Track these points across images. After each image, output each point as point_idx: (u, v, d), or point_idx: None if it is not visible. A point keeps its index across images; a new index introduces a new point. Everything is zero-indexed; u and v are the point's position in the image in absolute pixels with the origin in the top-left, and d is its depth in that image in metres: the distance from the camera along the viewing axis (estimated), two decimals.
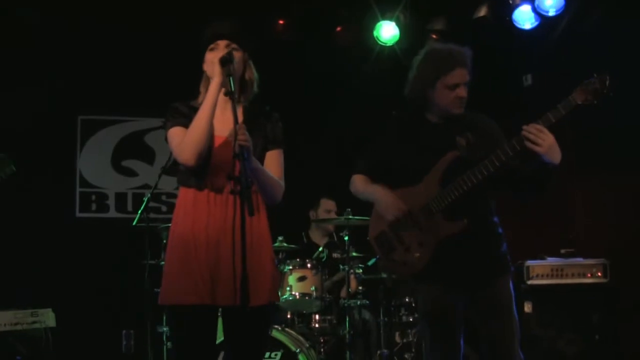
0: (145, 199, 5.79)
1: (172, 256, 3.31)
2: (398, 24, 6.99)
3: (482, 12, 6.81)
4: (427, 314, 3.87)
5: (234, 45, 3.36)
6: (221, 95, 3.30)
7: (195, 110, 3.30)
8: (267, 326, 3.57)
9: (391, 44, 7.07)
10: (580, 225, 6.59)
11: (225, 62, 3.26)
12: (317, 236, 6.73)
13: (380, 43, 7.07)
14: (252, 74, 3.49)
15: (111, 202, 7.26)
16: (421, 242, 3.72)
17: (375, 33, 7.05)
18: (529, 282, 5.85)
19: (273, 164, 3.43)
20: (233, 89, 3.20)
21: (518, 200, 4.47)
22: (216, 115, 3.33)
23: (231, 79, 3.22)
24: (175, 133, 3.31)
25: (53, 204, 6.95)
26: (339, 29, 7.13)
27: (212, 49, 3.37)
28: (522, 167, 3.63)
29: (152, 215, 5.86)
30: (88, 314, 6.60)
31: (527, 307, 5.87)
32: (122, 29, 6.88)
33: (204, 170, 3.26)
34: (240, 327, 3.26)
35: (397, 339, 6.09)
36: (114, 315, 6.72)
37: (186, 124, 3.28)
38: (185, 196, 3.33)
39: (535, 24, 6.69)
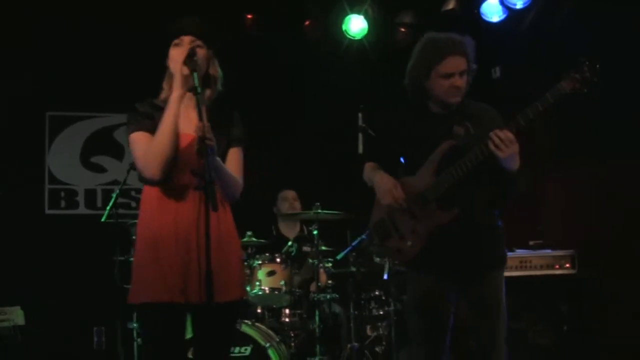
0: (114, 195, 5.78)
1: (140, 254, 3.29)
2: (366, 18, 7.01)
3: (451, 4, 6.85)
4: (417, 304, 3.88)
5: (198, 42, 3.34)
6: (185, 92, 3.30)
7: (158, 109, 3.28)
8: (234, 322, 3.57)
9: (360, 38, 7.09)
10: (549, 217, 6.63)
11: (189, 59, 3.24)
12: (286, 229, 6.72)
13: (348, 36, 7.09)
14: (217, 71, 3.46)
15: (80, 198, 7.21)
16: (414, 231, 3.74)
17: (344, 27, 7.07)
18: None
19: (233, 161, 3.42)
20: (197, 85, 3.19)
21: None
22: (181, 111, 3.32)
23: (195, 75, 3.20)
24: (137, 139, 3.27)
25: (22, 201, 6.89)
26: (307, 22, 7.12)
27: (176, 44, 3.34)
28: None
29: (121, 211, 5.85)
30: (58, 311, 6.56)
31: None
32: (89, 23, 6.83)
33: (175, 168, 3.24)
34: (208, 323, 3.26)
35: (369, 332, 6.11)
36: (84, 312, 6.68)
37: (148, 128, 3.25)
38: (150, 193, 3.31)
39: (503, 16, 6.74)
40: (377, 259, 5.92)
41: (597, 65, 3.40)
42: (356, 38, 7.10)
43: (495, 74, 7.21)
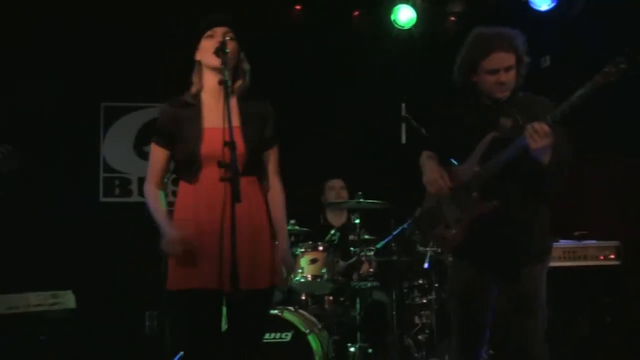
0: (166, 181, 5.92)
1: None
2: (414, 7, 7.01)
3: None
4: (457, 293, 3.93)
5: (231, 34, 3.44)
6: (215, 84, 3.42)
7: (184, 106, 3.44)
8: (265, 310, 3.62)
9: (408, 27, 7.10)
10: (595, 208, 6.56)
11: (220, 51, 3.34)
12: (333, 218, 6.81)
13: (397, 26, 7.11)
14: (246, 64, 3.58)
15: (134, 186, 7.40)
16: (459, 220, 3.78)
17: (392, 16, 7.09)
18: None
19: (272, 162, 3.60)
20: (227, 78, 3.29)
21: None
22: (209, 104, 3.47)
23: (224, 68, 3.31)
24: (152, 151, 3.53)
25: (78, 189, 7.12)
26: (356, 13, 7.17)
27: (209, 36, 3.44)
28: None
29: (171, 199, 5.98)
30: (111, 296, 6.78)
31: None
32: (144, 19, 7.01)
33: (199, 161, 3.39)
34: (238, 310, 3.39)
35: (417, 320, 6.14)
36: (137, 297, 6.88)
37: (168, 143, 3.45)
38: (183, 184, 3.48)
39: (552, 5, 6.67)
40: (420, 248, 5.96)
41: (636, 57, 3.35)
42: (405, 28, 7.11)
43: (544, 63, 7.13)
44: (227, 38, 3.41)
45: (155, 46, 7.08)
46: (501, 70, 3.62)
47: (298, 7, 7.07)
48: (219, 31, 3.44)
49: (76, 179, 7.13)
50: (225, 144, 3.16)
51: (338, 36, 7.22)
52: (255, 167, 3.50)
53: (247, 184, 3.39)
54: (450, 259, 4.00)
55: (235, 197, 3.10)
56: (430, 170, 3.84)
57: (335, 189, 6.75)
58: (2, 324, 5.39)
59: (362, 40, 7.30)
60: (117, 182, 7.40)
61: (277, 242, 3.55)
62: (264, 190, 3.56)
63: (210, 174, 3.37)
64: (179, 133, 3.43)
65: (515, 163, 3.59)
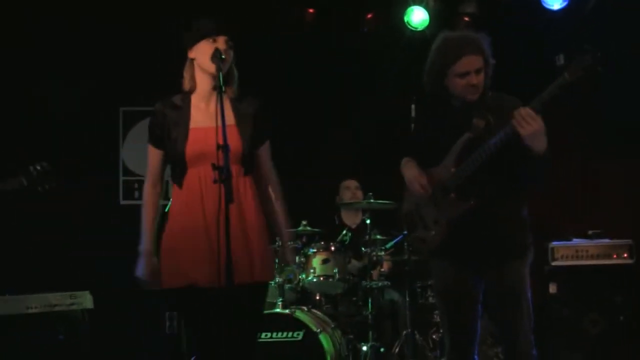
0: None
1: (167, 242, 3.53)
2: (427, 9, 7.05)
3: None
4: (440, 293, 4.03)
5: (230, 43, 3.53)
6: (208, 88, 3.52)
7: (173, 107, 3.54)
8: (258, 305, 3.65)
9: (421, 29, 7.13)
10: (609, 206, 6.54)
11: (216, 58, 3.43)
12: (348, 218, 6.86)
13: (410, 28, 7.14)
14: (234, 73, 3.63)
15: None
16: (437, 221, 3.84)
17: (405, 18, 7.13)
18: (553, 264, 5.88)
19: (266, 156, 3.67)
20: (221, 84, 3.37)
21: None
22: (201, 107, 3.56)
23: (220, 74, 3.39)
24: (149, 153, 3.62)
25: (98, 192, 7.26)
26: (369, 15, 7.22)
27: (210, 41, 3.50)
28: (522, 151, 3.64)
29: None
30: (130, 297, 6.85)
31: (552, 288, 5.92)
32: (163, 26, 7.10)
33: (185, 161, 3.47)
34: (231, 308, 3.36)
35: (430, 320, 6.17)
36: (155, 298, 6.96)
37: (160, 143, 3.54)
38: (175, 189, 3.55)
39: (564, 3, 6.68)
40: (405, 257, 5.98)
41: (599, 54, 3.39)
42: (418, 29, 7.14)
43: (559, 62, 7.12)
44: (228, 46, 3.49)
45: (173, 52, 7.17)
46: (472, 73, 3.69)
47: (311, 10, 7.13)
48: (221, 38, 3.51)
49: (96, 182, 7.26)
50: (219, 147, 3.22)
51: (352, 38, 7.27)
52: (251, 164, 3.56)
53: (241, 183, 3.48)
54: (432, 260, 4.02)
55: (228, 198, 3.17)
56: (410, 173, 3.92)
57: (351, 189, 6.80)
58: (21, 324, 5.51)
59: (376, 41, 7.33)
60: (136, 185, 7.52)
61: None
62: (258, 188, 3.61)
63: (197, 174, 3.45)
64: (168, 133, 3.52)
65: (492, 160, 3.63)
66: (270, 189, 3.69)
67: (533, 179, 3.75)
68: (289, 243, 4.15)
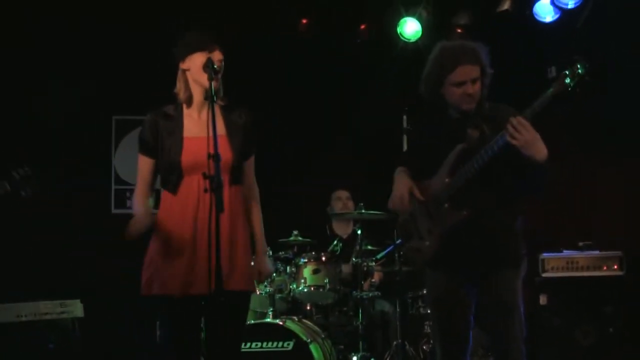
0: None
1: (154, 250, 3.58)
2: (420, 20, 7.07)
3: (505, 5, 6.84)
4: (433, 302, 4.05)
5: (222, 55, 3.56)
6: (200, 98, 3.57)
7: (165, 117, 3.56)
8: (241, 314, 3.68)
9: (414, 40, 7.15)
10: (600, 218, 6.57)
11: (208, 69, 3.45)
12: (339, 228, 6.87)
13: (403, 39, 7.16)
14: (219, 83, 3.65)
15: None
16: (431, 231, 3.84)
17: (398, 29, 7.15)
18: (544, 275, 5.90)
19: (251, 169, 3.72)
20: (213, 94, 3.40)
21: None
22: (194, 116, 3.59)
23: (212, 86, 3.41)
24: (139, 161, 3.63)
25: (90, 200, 7.25)
26: (362, 26, 7.24)
27: (204, 53, 3.52)
28: (517, 161, 3.64)
29: None
30: (121, 305, 6.86)
31: (543, 300, 5.94)
32: (158, 35, 7.11)
33: (180, 170, 3.49)
34: (214, 316, 3.47)
35: (421, 330, 6.18)
36: (146, 307, 6.93)
37: (152, 152, 3.55)
38: (167, 194, 3.57)
39: (556, 16, 6.71)
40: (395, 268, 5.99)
41: (587, 65, 3.41)
42: (411, 40, 7.16)
43: (551, 74, 7.12)
44: (221, 58, 3.53)
45: (167, 61, 7.18)
46: (468, 82, 3.70)
47: (305, 20, 7.15)
48: (215, 50, 3.53)
49: (88, 191, 7.25)
50: (210, 156, 3.24)
51: (345, 49, 7.30)
52: (240, 175, 3.60)
53: (231, 193, 3.51)
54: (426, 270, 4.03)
55: (219, 207, 3.18)
56: (398, 186, 3.92)
57: (342, 200, 6.83)
58: (11, 332, 5.52)
59: (368, 52, 7.36)
60: (128, 194, 7.51)
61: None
62: (245, 198, 3.65)
63: (191, 183, 3.48)
64: (160, 143, 3.54)
65: (485, 170, 3.64)
66: (251, 201, 3.72)
67: (534, 188, 3.76)
68: (268, 253, 4.13)
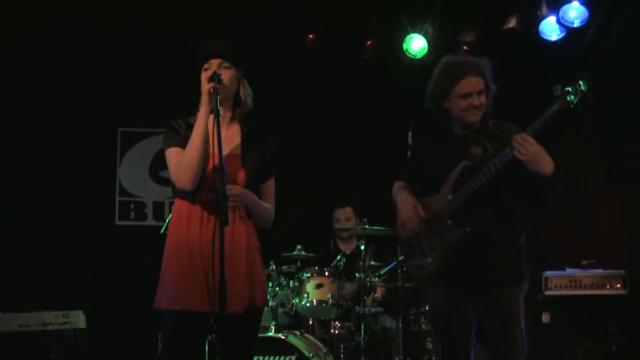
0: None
1: (166, 263, 3.54)
2: (426, 37, 7.10)
3: (511, 23, 6.87)
4: (435, 318, 4.03)
5: (225, 64, 3.53)
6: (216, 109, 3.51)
7: (190, 127, 3.52)
8: (245, 333, 3.59)
9: (420, 57, 7.17)
10: (603, 236, 6.56)
11: (213, 81, 3.43)
12: (343, 244, 6.87)
13: (409, 55, 7.19)
14: (246, 90, 3.67)
15: (149, 210, 7.56)
16: (433, 248, 3.86)
17: (405, 46, 7.18)
18: (547, 293, 5.89)
19: (269, 193, 3.67)
20: (218, 107, 3.38)
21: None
22: (212, 129, 3.53)
23: (217, 97, 3.40)
24: (171, 155, 3.54)
25: (94, 212, 7.28)
26: (369, 42, 7.26)
27: (205, 69, 3.54)
28: (521, 177, 3.66)
29: None
30: (123, 317, 6.87)
31: (545, 318, 5.92)
32: (161, 40, 7.16)
33: (205, 182, 3.45)
34: (221, 332, 3.39)
35: (423, 347, 6.16)
36: (149, 320, 6.93)
37: (182, 144, 3.50)
38: (180, 206, 3.55)
39: (562, 35, 6.73)
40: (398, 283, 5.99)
41: (590, 82, 3.43)
42: (417, 57, 7.18)
43: (556, 92, 7.13)
44: (221, 69, 3.50)
45: (173, 74, 7.22)
46: (473, 94, 3.74)
47: (311, 35, 7.17)
48: (214, 63, 3.52)
49: (92, 202, 7.28)
50: (215, 169, 3.25)
51: (351, 65, 7.32)
52: (254, 193, 3.56)
53: (249, 227, 3.53)
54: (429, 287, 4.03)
55: (223, 222, 3.19)
56: (403, 206, 3.94)
57: (340, 221, 6.79)
58: (13, 342, 5.51)
59: (374, 69, 7.38)
60: (132, 206, 7.54)
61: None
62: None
63: (202, 196, 3.46)
64: (185, 147, 3.50)
65: (488, 187, 3.65)
66: None
67: (541, 204, 3.78)
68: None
